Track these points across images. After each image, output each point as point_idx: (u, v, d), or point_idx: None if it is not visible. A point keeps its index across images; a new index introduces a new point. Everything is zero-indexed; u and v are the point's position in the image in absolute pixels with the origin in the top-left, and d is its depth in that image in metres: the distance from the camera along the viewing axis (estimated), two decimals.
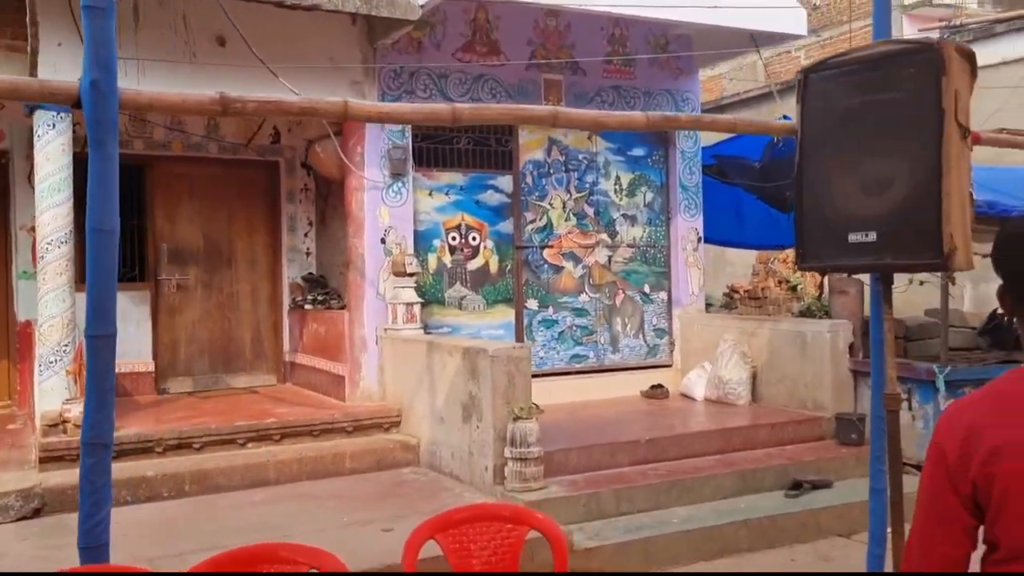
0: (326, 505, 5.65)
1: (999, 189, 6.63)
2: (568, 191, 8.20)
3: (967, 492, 1.57)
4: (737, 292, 14.55)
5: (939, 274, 7.04)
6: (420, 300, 7.10)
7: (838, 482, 6.29)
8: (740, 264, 15.84)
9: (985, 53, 11.41)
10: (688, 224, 8.64)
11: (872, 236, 3.52)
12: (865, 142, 3.56)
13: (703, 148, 8.81)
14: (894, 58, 3.53)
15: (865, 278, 10.45)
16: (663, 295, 8.61)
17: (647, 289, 8.54)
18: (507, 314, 7.90)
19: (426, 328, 7.25)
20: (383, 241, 7.20)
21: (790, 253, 14.43)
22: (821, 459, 6.42)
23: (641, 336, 8.49)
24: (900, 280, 13.65)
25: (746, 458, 6.35)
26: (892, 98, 3.50)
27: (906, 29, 14.00)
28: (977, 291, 11.70)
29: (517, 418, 5.64)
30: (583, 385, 8.08)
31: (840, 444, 6.76)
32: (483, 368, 5.77)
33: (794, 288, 13.62)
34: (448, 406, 6.22)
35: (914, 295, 13.25)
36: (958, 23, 11.33)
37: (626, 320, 8.41)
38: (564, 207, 8.17)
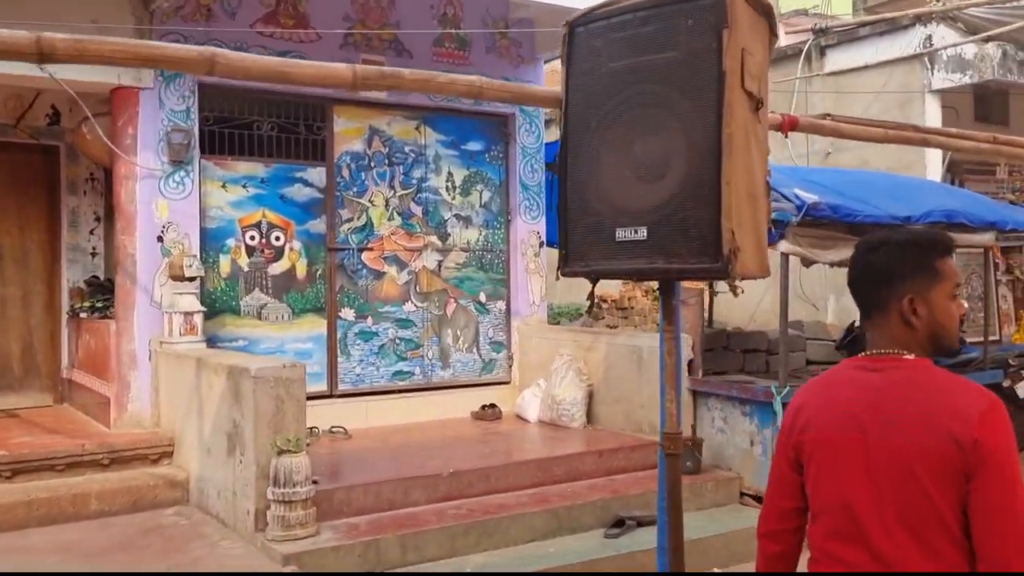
0: (42, 563, 4.57)
1: (847, 193, 6.07)
2: (392, 187, 7.30)
3: (792, 456, 1.91)
4: (605, 301, 13.96)
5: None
6: (202, 309, 6.07)
7: None
8: None
9: (849, 57, 11.12)
10: (529, 227, 7.87)
11: (642, 233, 2.75)
12: (639, 114, 2.78)
13: (547, 144, 8.06)
14: (671, 8, 2.76)
15: (721, 285, 9.84)
16: (501, 305, 7.81)
17: (483, 298, 7.71)
18: (317, 325, 6.94)
19: (211, 342, 6.22)
20: (160, 239, 6.14)
21: None
22: (651, 491, 5.68)
23: (476, 350, 7.65)
24: (756, 288, 13.16)
25: (565, 492, 5.57)
26: (668, 58, 2.73)
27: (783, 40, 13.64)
28: (840, 303, 11.38)
29: (282, 452, 4.69)
30: (407, 405, 7.19)
31: None
32: (246, 391, 4.81)
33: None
34: (214, 435, 5.23)
35: (797, 304, 12.89)
36: (824, 26, 11.01)
37: (458, 332, 7.56)
38: (387, 205, 7.27)
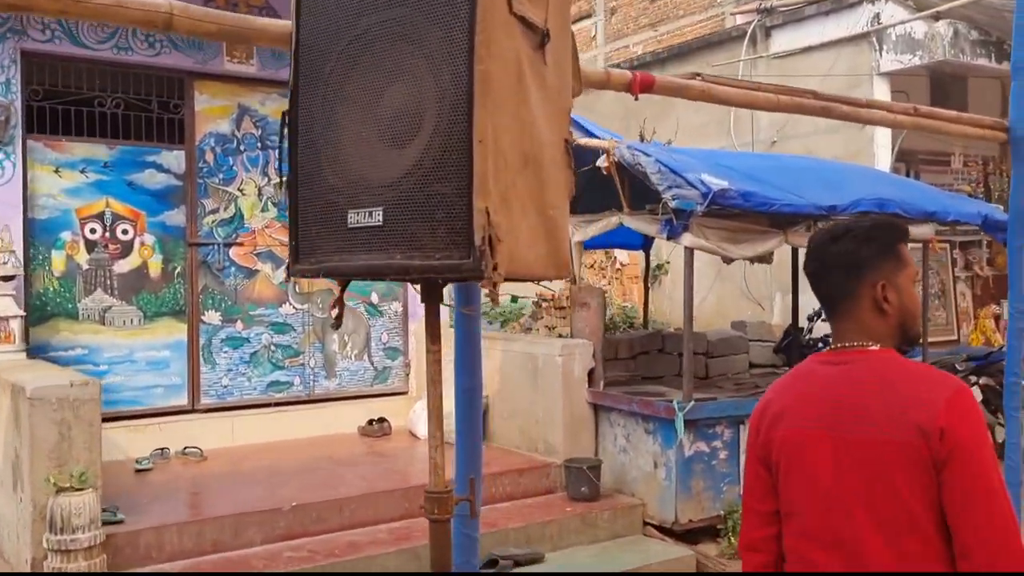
0: None
1: (766, 179, 5.31)
2: (265, 174, 6.47)
3: (762, 455, 1.82)
4: (546, 300, 13.20)
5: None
6: (20, 313, 5.21)
7: (553, 553, 4.83)
8: None
9: (795, 38, 10.40)
10: None
11: (378, 216, 1.96)
12: (382, 52, 1.99)
13: None
14: None
15: (666, 281, 9.07)
16: (397, 306, 7.00)
17: (375, 299, 6.90)
18: (176, 331, 6.09)
19: (40, 351, 5.38)
20: None
21: (598, 256, 13.20)
22: (535, 523, 4.92)
23: (367, 357, 6.84)
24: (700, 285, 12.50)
25: None
26: None
27: (728, 21, 12.93)
28: (786, 301, 10.67)
29: (61, 490, 3.86)
30: (284, 421, 6.36)
31: (571, 499, 5.29)
32: (23, 415, 3.97)
33: None
34: (4, 465, 4.39)
35: (740, 302, 12.18)
36: (769, 6, 10.29)
37: (346, 337, 6.75)
38: (260, 194, 6.43)
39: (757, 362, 9.29)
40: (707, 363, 9.19)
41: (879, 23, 9.07)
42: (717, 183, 4.93)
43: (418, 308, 6.87)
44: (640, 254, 12.98)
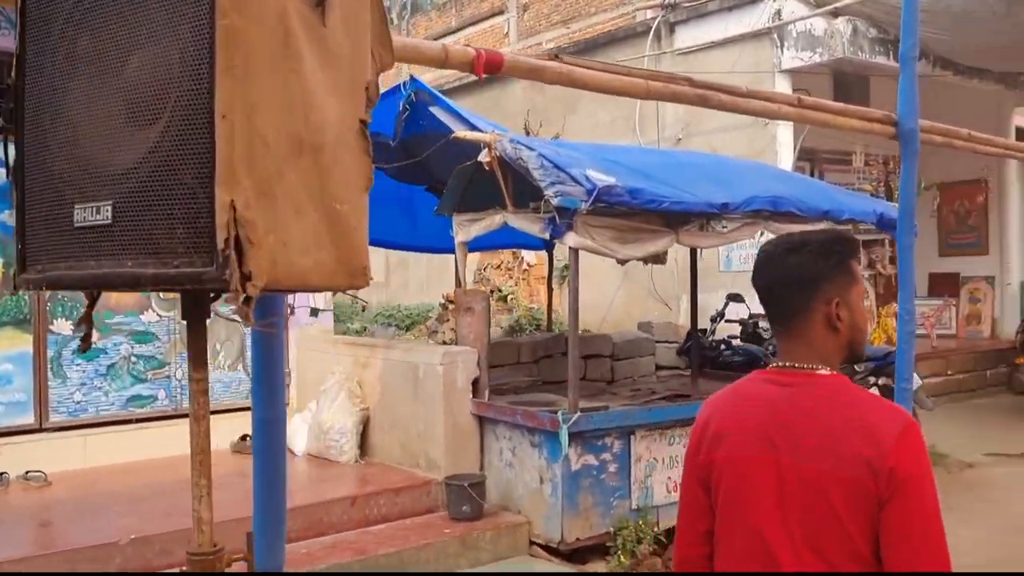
0: None
1: (656, 176, 5.04)
2: None
3: (701, 476, 1.75)
4: (452, 302, 12.82)
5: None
6: None
7: None
8: (469, 271, 14.17)
9: (698, 34, 10.26)
10: None
11: (106, 212, 1.56)
12: (129, 11, 1.59)
13: None
14: None
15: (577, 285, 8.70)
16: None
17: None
18: (18, 341, 5.50)
19: None
20: None
21: (505, 257, 12.89)
22: (411, 547, 4.53)
23: (242, 367, 6.34)
24: (608, 285, 12.35)
25: (295, 556, 4.35)
26: None
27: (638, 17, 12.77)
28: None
29: None
30: (146, 438, 5.82)
31: (452, 519, 4.92)
32: None
33: (504, 299, 12.02)
34: None
35: (645, 302, 12.00)
36: (672, 2, 10.13)
37: (218, 347, 6.23)
38: None
39: (664, 363, 9.10)
40: (613, 365, 8.96)
41: (780, 19, 8.98)
42: (603, 179, 4.63)
43: (298, 314, 6.40)
44: (543, 254, 12.74)
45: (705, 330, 8.16)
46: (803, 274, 1.68)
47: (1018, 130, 12.77)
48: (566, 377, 8.49)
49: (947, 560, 1.57)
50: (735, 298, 8.52)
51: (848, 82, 10.45)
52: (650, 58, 10.23)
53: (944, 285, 12.70)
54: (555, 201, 4.49)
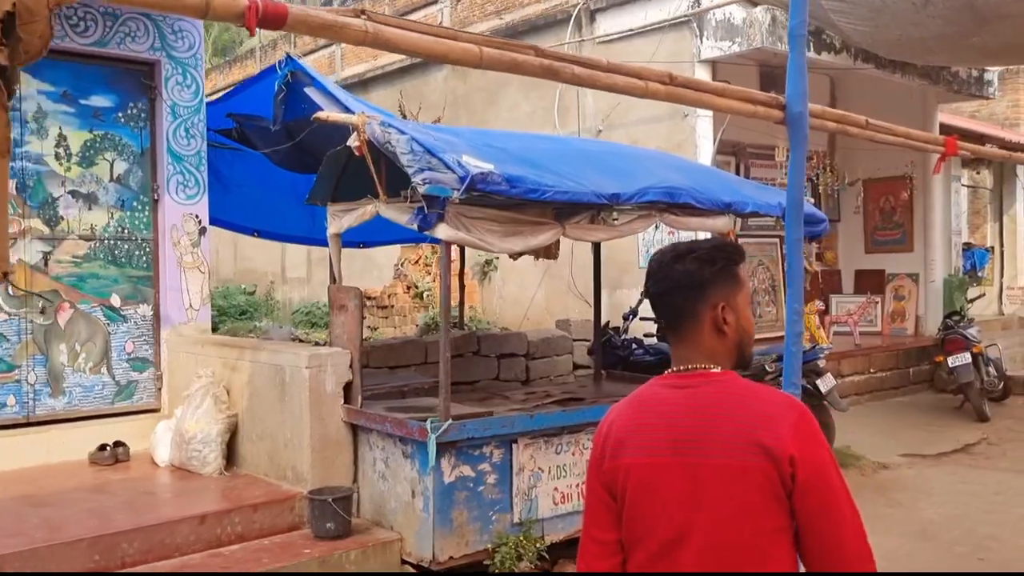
0: None
1: (543, 164, 4.67)
2: None
3: (605, 482, 1.76)
4: (371, 299, 12.34)
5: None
6: None
7: None
8: (389, 266, 13.67)
9: (619, 22, 9.93)
10: (184, 209, 6.09)
11: None
12: None
13: (212, 104, 6.33)
14: None
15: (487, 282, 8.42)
16: (146, 309, 5.99)
17: (116, 301, 5.87)
18: None
19: None
20: None
21: (424, 251, 12.45)
22: (263, 571, 4.09)
23: (106, 370, 5.81)
24: (530, 281, 11.94)
25: None
26: None
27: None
28: (614, 298, 10.24)
29: None
30: None
31: (316, 537, 4.49)
32: None
33: (421, 295, 11.58)
34: None
35: (563, 299, 11.63)
36: None
37: (78, 347, 5.70)
38: None
39: (582, 363, 8.77)
40: (528, 365, 8.63)
41: (699, 6, 8.70)
42: (480, 166, 4.24)
43: (173, 311, 5.91)
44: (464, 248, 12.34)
45: (618, 328, 7.85)
46: (690, 280, 1.74)
47: (943, 127, 12.74)
48: (479, 376, 8.15)
49: (867, 541, 1.62)
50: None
51: (775, 75, 10.22)
52: (571, 46, 9.89)
53: (870, 282, 12.62)
54: (423, 189, 4.09)
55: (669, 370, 1.79)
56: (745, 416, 1.65)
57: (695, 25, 8.86)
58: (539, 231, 4.57)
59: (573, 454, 4.85)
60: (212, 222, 6.46)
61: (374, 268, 12.68)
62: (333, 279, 5.10)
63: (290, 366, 4.79)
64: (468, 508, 4.44)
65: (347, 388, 4.82)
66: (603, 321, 9.39)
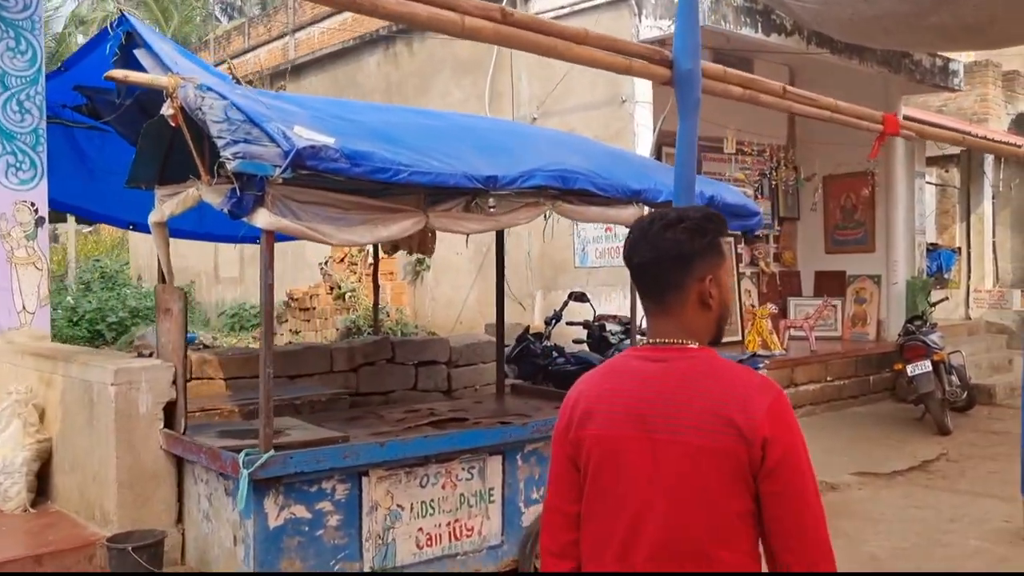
0: None
1: (404, 140, 3.88)
2: None
3: (570, 452, 1.73)
4: (293, 300, 11.51)
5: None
6: None
7: None
8: (313, 263, 12.79)
9: (551, 1, 9.20)
10: (16, 195, 5.23)
11: None
12: None
13: (53, 75, 5.49)
14: None
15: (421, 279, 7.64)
16: None
17: None
18: None
19: None
20: None
21: (350, 249, 11.64)
22: None
23: None
24: (462, 282, 11.20)
25: None
26: None
27: None
28: (548, 299, 9.48)
29: None
30: None
31: None
32: None
33: (343, 296, 10.75)
34: None
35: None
36: None
37: None
38: None
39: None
40: (451, 373, 7.87)
41: None
42: (314, 138, 3.44)
43: (3, 315, 5.06)
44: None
45: (541, 334, 7.07)
46: (679, 251, 1.68)
47: (908, 120, 12.07)
48: (394, 386, 7.35)
49: (826, 531, 1.60)
50: (579, 297, 7.47)
51: (728, 62, 9.51)
52: None
53: (830, 284, 11.93)
54: (232, 165, 3.29)
55: (645, 341, 1.74)
56: (719, 395, 1.60)
57: (633, 3, 8.12)
58: (393, 220, 3.77)
59: (444, 487, 4.06)
60: (81, 214, 5.63)
61: (305, 267, 11.84)
62: (162, 278, 4.27)
63: (97, 382, 3.96)
64: (303, 557, 3.63)
65: (170, 409, 4.00)
66: (534, 325, 8.62)
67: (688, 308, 1.69)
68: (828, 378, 10.00)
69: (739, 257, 11.56)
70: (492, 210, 3.99)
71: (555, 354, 6.81)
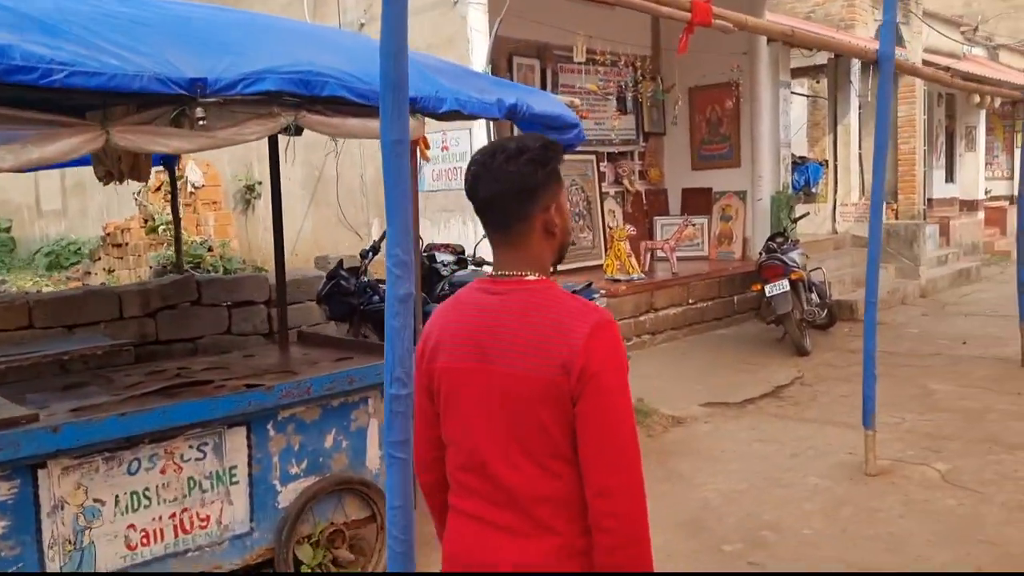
0: None
1: (68, 31, 2.92)
2: None
3: (426, 384, 1.81)
4: (107, 235, 10.30)
5: None
6: None
7: None
8: (126, 194, 11.51)
9: None
10: None
11: None
12: None
13: None
14: None
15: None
16: None
17: None
18: None
19: None
20: None
21: (164, 176, 10.47)
22: None
23: None
24: (295, 209, 10.23)
25: None
26: None
27: None
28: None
29: None
30: None
31: None
32: None
33: (156, 229, 9.61)
34: None
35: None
36: None
37: None
38: None
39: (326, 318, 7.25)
40: (270, 314, 7.04)
41: None
42: None
43: None
44: (217, 171, 10.36)
45: (357, 269, 6.25)
46: (524, 183, 1.68)
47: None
48: (200, 332, 6.44)
49: (635, 453, 1.63)
50: None
51: None
52: None
53: (697, 202, 11.47)
54: None
55: (490, 274, 1.77)
56: (547, 326, 1.64)
57: None
58: (53, 136, 2.85)
59: (164, 471, 3.27)
60: None
61: (125, 201, 10.58)
62: None
63: None
64: None
65: None
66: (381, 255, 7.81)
67: (533, 238, 1.71)
68: (690, 300, 9.59)
69: (602, 175, 10.94)
70: (201, 123, 3.11)
71: (370, 291, 6.03)
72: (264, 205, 9.63)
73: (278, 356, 4.49)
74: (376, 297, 5.92)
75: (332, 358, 4.29)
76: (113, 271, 9.19)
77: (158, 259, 8.53)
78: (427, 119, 3.94)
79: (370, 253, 6.24)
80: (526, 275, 1.70)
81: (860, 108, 13.29)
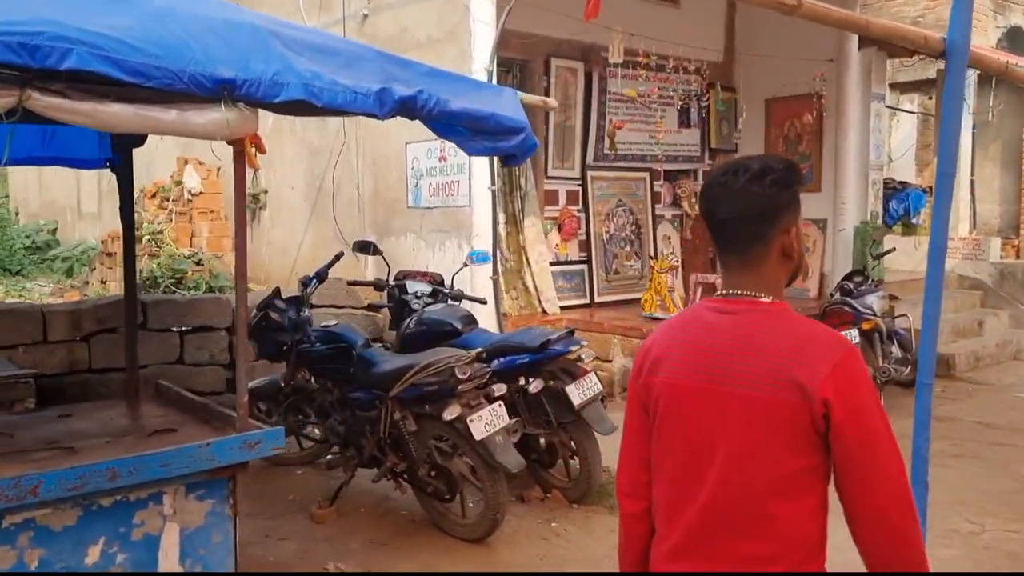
0: None
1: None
2: None
3: (643, 399, 1.77)
4: (103, 244, 9.64)
5: None
6: None
7: None
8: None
9: None
10: None
11: None
12: None
13: None
14: None
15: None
16: None
17: None
18: None
19: None
20: None
21: (163, 182, 9.73)
22: None
23: None
24: (295, 225, 9.32)
25: None
26: None
27: None
28: (383, 246, 7.62)
29: None
30: None
31: None
32: None
33: (154, 239, 8.73)
34: None
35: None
36: None
37: None
38: None
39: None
40: (231, 342, 6.27)
41: None
42: None
43: None
44: (217, 180, 9.55)
45: (300, 299, 5.21)
46: (767, 205, 1.64)
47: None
48: (145, 360, 5.66)
49: (901, 476, 1.57)
50: (363, 248, 5.65)
51: None
52: None
53: None
54: None
55: (719, 293, 1.72)
56: (784, 349, 1.58)
57: None
58: None
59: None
60: None
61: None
62: None
63: None
64: None
65: None
66: (377, 273, 6.81)
67: (771, 260, 1.67)
68: None
69: (657, 197, 9.62)
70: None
71: (309, 328, 4.99)
72: (270, 216, 8.78)
73: (97, 419, 3.47)
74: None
75: (163, 425, 3.26)
76: (106, 282, 8.53)
77: (145, 271, 7.78)
78: (262, 111, 2.84)
79: (314, 280, 5.20)
80: (760, 296, 1.65)
81: (975, 128, 11.46)
